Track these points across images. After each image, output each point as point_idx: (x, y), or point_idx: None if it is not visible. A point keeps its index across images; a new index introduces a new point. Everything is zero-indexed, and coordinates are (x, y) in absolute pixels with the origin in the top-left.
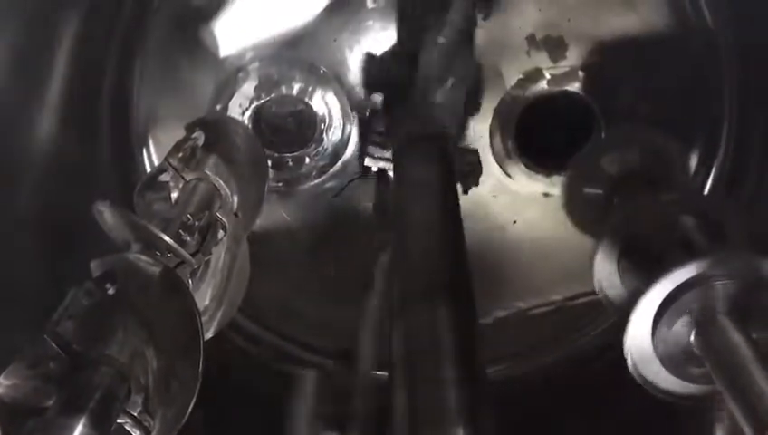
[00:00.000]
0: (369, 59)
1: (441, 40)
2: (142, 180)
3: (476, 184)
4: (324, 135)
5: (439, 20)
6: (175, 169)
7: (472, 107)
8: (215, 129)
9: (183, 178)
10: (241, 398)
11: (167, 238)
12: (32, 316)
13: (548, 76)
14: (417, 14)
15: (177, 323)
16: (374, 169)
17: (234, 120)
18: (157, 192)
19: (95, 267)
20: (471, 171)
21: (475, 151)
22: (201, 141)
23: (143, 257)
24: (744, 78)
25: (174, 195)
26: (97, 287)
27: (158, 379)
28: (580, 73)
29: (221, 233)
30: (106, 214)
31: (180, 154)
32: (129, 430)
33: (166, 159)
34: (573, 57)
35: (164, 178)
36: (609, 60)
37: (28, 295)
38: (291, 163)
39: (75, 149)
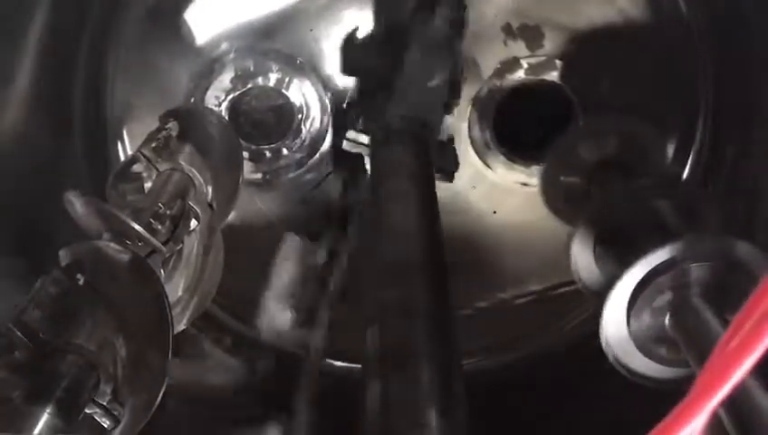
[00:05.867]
0: (349, 43)
1: (426, 40)
2: (114, 171)
3: (450, 181)
4: (302, 126)
5: (425, 20)
6: (147, 159)
7: (453, 101)
8: (189, 119)
9: (156, 168)
10: (221, 394)
11: (136, 226)
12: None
13: (525, 66)
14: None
15: (146, 310)
16: (352, 151)
17: (209, 110)
18: (130, 183)
19: (63, 255)
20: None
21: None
22: (175, 132)
23: (112, 245)
24: (718, 65)
25: (147, 185)
26: (65, 275)
27: (127, 368)
28: (558, 62)
29: (194, 223)
30: (76, 203)
31: (153, 144)
32: (98, 419)
33: (139, 149)
34: (550, 46)
35: (137, 168)
36: (585, 49)
37: None
38: (269, 155)
39: (47, 142)
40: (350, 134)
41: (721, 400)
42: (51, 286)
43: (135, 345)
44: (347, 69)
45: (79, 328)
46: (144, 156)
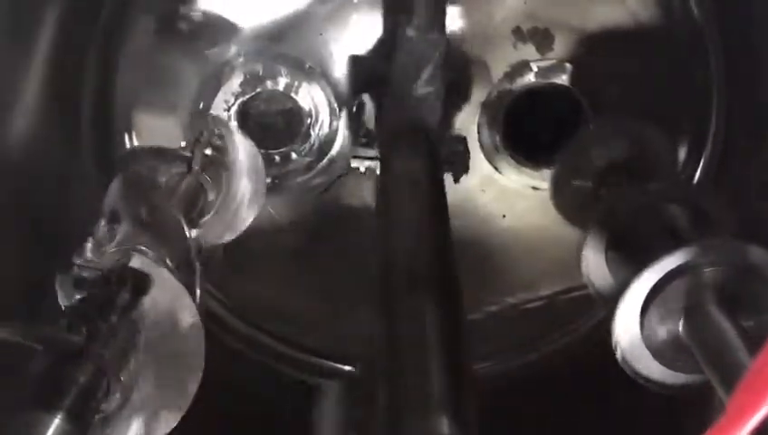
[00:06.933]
0: (354, 61)
1: (410, 33)
2: (156, 147)
3: (466, 171)
4: (311, 131)
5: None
6: (192, 159)
7: (458, 96)
8: (225, 134)
9: (191, 168)
10: (228, 397)
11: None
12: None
13: (535, 69)
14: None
15: (180, 342)
16: (362, 169)
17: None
18: (162, 161)
19: (110, 258)
20: (458, 159)
21: (462, 139)
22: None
23: (168, 269)
24: (730, 67)
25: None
26: (107, 282)
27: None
28: (568, 66)
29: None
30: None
31: (208, 151)
32: None
33: (195, 147)
34: (560, 50)
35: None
36: (596, 52)
37: (7, 294)
38: (277, 160)
39: (55, 144)
40: (359, 151)
41: (755, 426)
42: (90, 287)
43: (159, 371)
44: (356, 87)
45: (103, 337)
46: (199, 156)
